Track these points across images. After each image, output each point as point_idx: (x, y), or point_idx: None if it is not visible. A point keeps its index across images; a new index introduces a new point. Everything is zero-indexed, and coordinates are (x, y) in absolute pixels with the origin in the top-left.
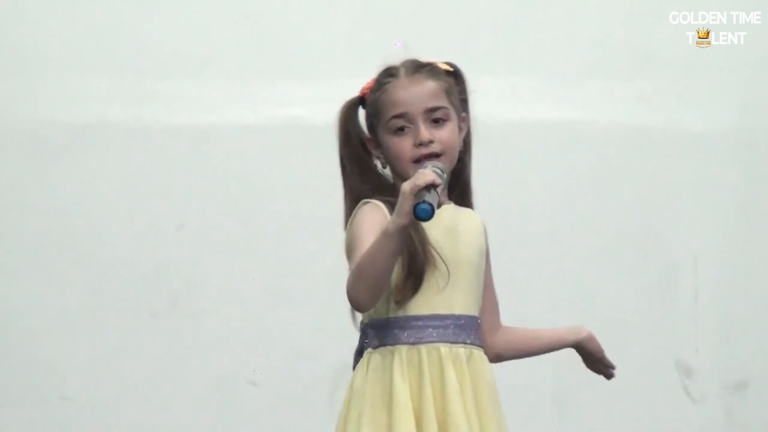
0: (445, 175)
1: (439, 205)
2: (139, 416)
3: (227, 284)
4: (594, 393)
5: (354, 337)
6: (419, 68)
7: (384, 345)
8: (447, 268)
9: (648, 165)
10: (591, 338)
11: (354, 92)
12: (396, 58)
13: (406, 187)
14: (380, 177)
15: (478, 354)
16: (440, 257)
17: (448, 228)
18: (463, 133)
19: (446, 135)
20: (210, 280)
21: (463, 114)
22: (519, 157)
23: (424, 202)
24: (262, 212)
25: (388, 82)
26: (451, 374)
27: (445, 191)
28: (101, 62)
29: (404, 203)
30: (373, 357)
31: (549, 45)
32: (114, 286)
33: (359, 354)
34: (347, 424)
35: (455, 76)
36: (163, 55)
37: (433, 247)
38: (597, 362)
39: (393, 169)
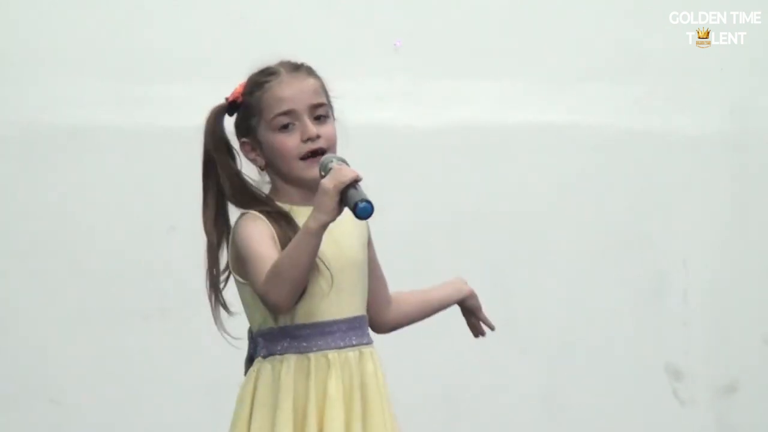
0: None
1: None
2: (130, 419)
3: None
4: (583, 396)
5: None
6: (299, 67)
7: (273, 354)
8: (330, 273)
9: (639, 168)
10: (472, 295)
11: (347, 94)
12: (384, 65)
13: (328, 184)
14: (249, 184)
15: (368, 352)
16: (323, 263)
17: (329, 233)
18: None
19: (330, 131)
20: (201, 283)
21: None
22: (511, 160)
23: (362, 200)
24: None
25: (269, 81)
26: (333, 381)
27: None
28: (93, 64)
29: (327, 201)
30: (264, 366)
31: (543, 48)
32: (105, 288)
33: (249, 361)
34: (234, 427)
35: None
36: (154, 57)
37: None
38: (476, 320)
39: (276, 169)
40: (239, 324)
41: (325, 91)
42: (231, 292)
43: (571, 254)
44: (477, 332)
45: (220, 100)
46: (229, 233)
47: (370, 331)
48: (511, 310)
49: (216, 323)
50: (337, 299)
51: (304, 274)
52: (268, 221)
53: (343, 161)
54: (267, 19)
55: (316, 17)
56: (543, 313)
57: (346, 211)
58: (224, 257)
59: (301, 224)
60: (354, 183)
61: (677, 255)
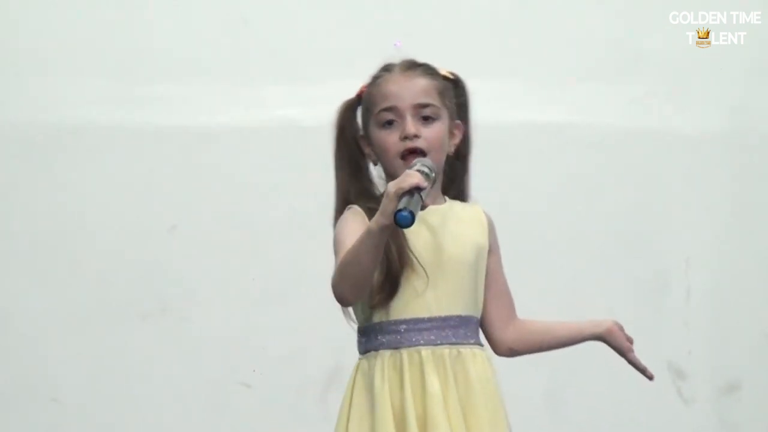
0: (434, 175)
1: (424, 208)
2: (130, 418)
3: (219, 286)
4: (586, 395)
5: (346, 338)
6: (415, 66)
7: (368, 351)
8: (426, 272)
9: (640, 167)
10: (611, 332)
11: (343, 94)
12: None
13: (391, 188)
14: (369, 181)
15: (469, 352)
16: (418, 261)
17: (435, 228)
18: (456, 140)
19: (433, 133)
20: (202, 282)
21: (458, 121)
22: (511, 160)
23: (405, 209)
24: (254, 214)
25: (381, 76)
26: (431, 378)
27: (439, 189)
28: (93, 64)
29: (388, 204)
30: (361, 363)
31: (542, 47)
32: (105, 288)
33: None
34: (337, 429)
35: (455, 83)
36: (155, 57)
37: (411, 251)
38: (627, 359)
39: (382, 166)
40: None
41: (440, 92)
42: None
43: (572, 254)
44: (643, 373)
45: (222, 100)
46: None
47: (481, 335)
48: None
49: (344, 314)
50: (435, 297)
51: (366, 273)
52: (368, 218)
53: (430, 168)
54: (269, 20)
55: (315, 18)
56: (544, 312)
57: (464, 212)
58: None
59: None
60: (414, 190)
61: (679, 254)
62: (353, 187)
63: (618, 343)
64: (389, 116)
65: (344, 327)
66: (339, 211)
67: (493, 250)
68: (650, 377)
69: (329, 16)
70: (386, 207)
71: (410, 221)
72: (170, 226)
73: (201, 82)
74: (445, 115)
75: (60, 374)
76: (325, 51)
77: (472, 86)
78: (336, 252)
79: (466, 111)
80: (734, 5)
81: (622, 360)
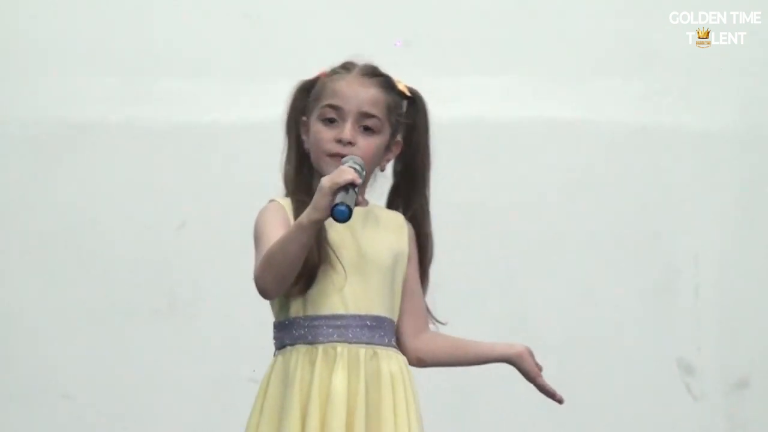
0: (363, 173)
1: (357, 204)
2: (140, 414)
3: (228, 283)
4: (595, 391)
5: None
6: (373, 74)
7: (284, 346)
8: (343, 268)
9: (649, 164)
10: (520, 356)
11: None
12: (393, 62)
13: (325, 182)
14: (304, 164)
15: (385, 353)
16: (336, 256)
17: (355, 227)
18: (390, 156)
19: (368, 145)
20: (211, 279)
21: (398, 139)
22: (519, 156)
23: (341, 204)
24: None
25: (339, 73)
26: (338, 376)
27: (363, 192)
28: (102, 61)
29: (321, 199)
30: (277, 358)
31: (549, 44)
32: (115, 284)
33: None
34: (248, 427)
35: (412, 101)
36: (164, 54)
37: (330, 247)
38: (535, 385)
39: (312, 157)
40: None
41: (389, 108)
42: None
43: (581, 250)
44: (552, 398)
45: (231, 97)
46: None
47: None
48: (521, 307)
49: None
50: (352, 294)
51: (291, 267)
52: (294, 210)
53: (361, 166)
54: (277, 17)
55: (321, 14)
56: (553, 309)
57: (386, 216)
58: None
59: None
60: (349, 186)
61: (688, 251)
62: (295, 177)
63: (527, 368)
64: (332, 114)
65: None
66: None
67: (411, 259)
68: (560, 401)
69: (335, 13)
70: (319, 202)
71: (347, 215)
72: (179, 223)
73: (210, 80)
74: (386, 130)
75: (70, 371)
76: (331, 48)
77: (480, 83)
78: (257, 244)
79: (417, 131)
80: (734, 5)
81: (632, 356)
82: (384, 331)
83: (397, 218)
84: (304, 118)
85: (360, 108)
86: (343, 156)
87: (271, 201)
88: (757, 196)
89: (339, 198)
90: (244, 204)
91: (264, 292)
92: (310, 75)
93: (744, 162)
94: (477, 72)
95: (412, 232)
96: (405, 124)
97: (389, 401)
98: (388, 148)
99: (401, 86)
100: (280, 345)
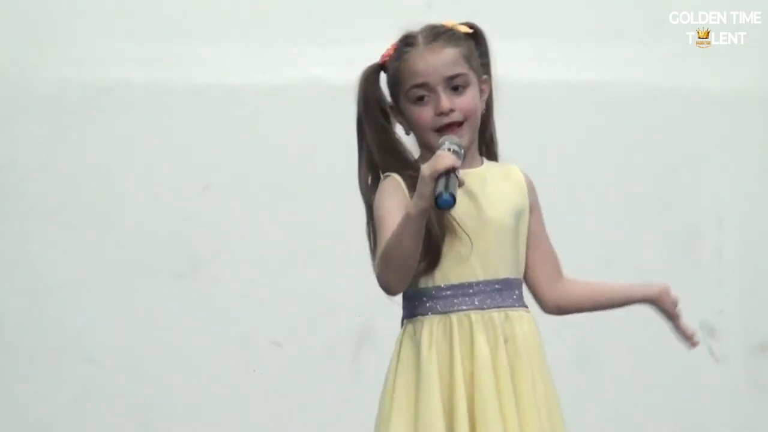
0: (462, 151)
1: (461, 186)
2: (163, 377)
3: (251, 245)
4: (618, 354)
5: (376, 299)
6: (437, 36)
7: (415, 315)
8: (469, 237)
9: (673, 126)
10: (660, 296)
11: (373, 53)
12: (415, 23)
13: (425, 171)
14: (398, 145)
15: (516, 315)
16: (460, 226)
17: (473, 191)
18: (485, 96)
19: (467, 102)
20: (234, 241)
21: (485, 77)
22: (542, 119)
23: (445, 192)
24: (285, 173)
25: (407, 51)
26: (480, 342)
27: (476, 151)
28: (125, 24)
29: (425, 188)
30: (407, 328)
31: (572, 5)
32: (138, 247)
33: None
34: (383, 396)
35: (475, 38)
36: (186, 17)
37: (452, 216)
38: (674, 325)
39: (417, 138)
40: None
41: (466, 58)
42: None
43: (604, 212)
44: (686, 340)
45: (252, 59)
46: None
47: (526, 296)
48: None
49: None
50: (479, 261)
51: (409, 258)
52: (407, 187)
53: (458, 146)
54: None
55: None
56: (576, 271)
57: (502, 173)
58: None
59: None
60: (449, 172)
61: (712, 213)
62: (384, 154)
63: (666, 308)
64: (421, 92)
65: (375, 288)
66: (364, 178)
67: (533, 210)
68: (694, 344)
69: None
70: (423, 190)
71: (452, 204)
72: (203, 185)
73: (232, 42)
74: (474, 79)
75: (94, 334)
76: (353, 10)
77: (499, 46)
78: (378, 228)
79: (488, 64)
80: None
81: (654, 319)
82: (513, 292)
83: (513, 172)
84: (392, 104)
85: (444, 74)
86: (450, 125)
87: (387, 176)
88: None
89: (441, 186)
90: (267, 166)
91: (387, 289)
92: (343, 42)
93: (766, 123)
94: (496, 36)
95: (530, 182)
96: (481, 61)
97: (528, 369)
98: (480, 90)
99: (461, 28)
100: (410, 314)
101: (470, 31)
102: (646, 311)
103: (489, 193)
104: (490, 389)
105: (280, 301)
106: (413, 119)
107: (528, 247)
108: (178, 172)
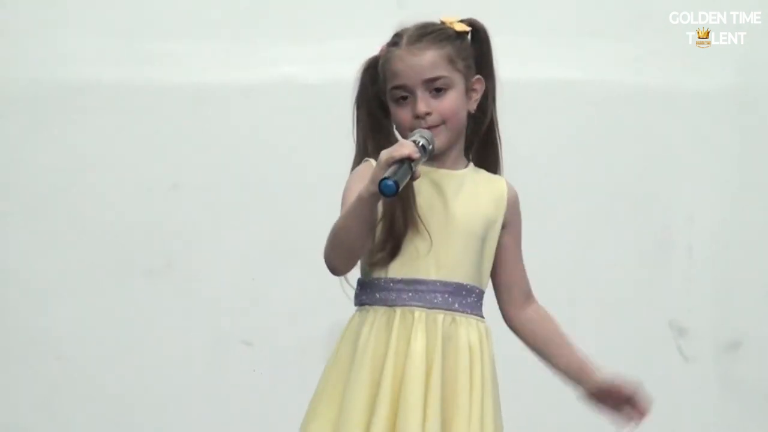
0: (430, 147)
1: (415, 179)
2: (133, 375)
3: (222, 244)
4: (587, 352)
5: (349, 298)
6: (421, 37)
7: (363, 304)
8: (429, 235)
9: (645, 124)
10: (618, 382)
11: (344, 52)
12: (386, 24)
13: (382, 155)
14: (389, 135)
15: (464, 320)
16: (423, 223)
17: (447, 192)
18: (477, 95)
19: (446, 105)
20: (204, 240)
21: (477, 77)
22: (514, 117)
23: (389, 178)
24: (256, 171)
25: (391, 51)
26: (417, 338)
27: (461, 153)
28: (96, 22)
29: (377, 172)
30: (354, 316)
31: (547, 3)
32: (109, 245)
33: None
34: (319, 382)
35: (474, 35)
36: (157, 15)
37: (417, 213)
38: (625, 399)
39: (399, 135)
40: None
41: (450, 59)
42: None
43: (575, 210)
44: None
45: (224, 58)
46: None
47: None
48: None
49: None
50: (435, 262)
51: (355, 240)
52: None
53: (427, 140)
54: None
55: None
56: (547, 268)
57: (484, 182)
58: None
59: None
60: (404, 160)
61: (682, 211)
62: (372, 142)
63: (626, 392)
64: (401, 93)
65: (346, 287)
66: (355, 166)
67: (509, 226)
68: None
69: None
70: (375, 174)
71: (393, 191)
72: (173, 183)
73: (203, 41)
74: (458, 80)
75: (64, 331)
76: (327, 8)
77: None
78: (341, 205)
79: (487, 62)
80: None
81: (624, 317)
82: (466, 298)
83: (499, 183)
84: (383, 98)
85: (422, 77)
86: (428, 128)
87: (366, 161)
88: (752, 157)
89: (389, 172)
90: (237, 164)
91: (332, 269)
92: (317, 40)
93: (740, 123)
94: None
95: (514, 199)
96: (475, 58)
97: (466, 374)
98: (470, 90)
99: (456, 26)
100: (359, 303)
101: (467, 29)
102: (615, 311)
103: (462, 197)
104: (417, 386)
105: (251, 299)
106: (395, 118)
107: (496, 262)
108: (149, 171)
